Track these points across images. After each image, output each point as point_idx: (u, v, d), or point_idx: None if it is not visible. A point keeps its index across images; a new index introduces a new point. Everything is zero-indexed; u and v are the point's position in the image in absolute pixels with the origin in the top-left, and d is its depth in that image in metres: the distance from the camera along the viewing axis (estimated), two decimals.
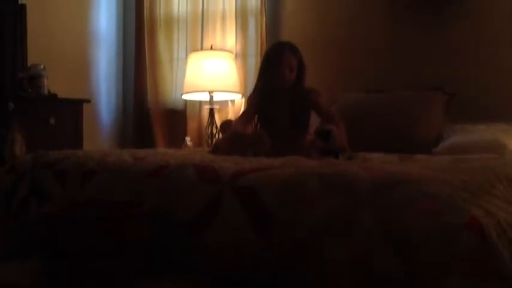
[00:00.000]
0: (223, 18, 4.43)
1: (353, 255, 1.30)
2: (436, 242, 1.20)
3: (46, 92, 3.69)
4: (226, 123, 3.12)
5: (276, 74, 2.81)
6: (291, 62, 2.80)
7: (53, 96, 3.72)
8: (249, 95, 3.11)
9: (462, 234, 1.18)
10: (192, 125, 4.49)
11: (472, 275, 1.15)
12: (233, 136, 2.63)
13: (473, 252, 1.16)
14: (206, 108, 4.29)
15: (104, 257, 1.45)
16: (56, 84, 3.79)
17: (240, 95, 4.18)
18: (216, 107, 4.23)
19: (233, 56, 4.24)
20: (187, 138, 4.14)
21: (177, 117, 4.56)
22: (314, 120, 2.95)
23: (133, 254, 1.51)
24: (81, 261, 1.45)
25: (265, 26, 4.20)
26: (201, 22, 4.49)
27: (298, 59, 2.84)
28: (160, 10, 4.63)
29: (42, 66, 3.70)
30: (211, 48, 4.24)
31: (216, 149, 2.58)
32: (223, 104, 4.40)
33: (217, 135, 4.07)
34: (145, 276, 1.53)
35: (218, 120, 4.27)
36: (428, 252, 1.20)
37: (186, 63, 4.29)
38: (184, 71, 4.27)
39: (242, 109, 4.20)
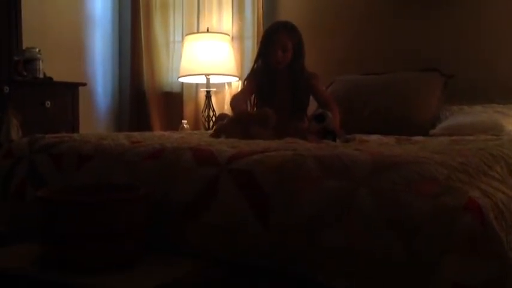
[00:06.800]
0: (220, 0, 4.39)
1: (352, 237, 1.30)
2: (434, 223, 1.20)
3: (41, 75, 3.67)
4: (221, 117, 3.02)
5: (269, 54, 2.77)
6: (285, 42, 2.74)
7: (48, 80, 3.71)
8: (245, 76, 3.08)
9: (460, 215, 1.18)
10: (188, 108, 4.47)
11: (470, 255, 1.15)
12: (237, 116, 2.54)
13: (471, 233, 1.16)
14: (203, 91, 4.27)
15: (100, 241, 1.46)
16: (51, 67, 3.77)
17: (237, 78, 4.16)
18: (212, 89, 4.21)
19: (230, 38, 4.21)
20: (184, 121, 4.14)
21: (174, 100, 4.55)
22: (311, 105, 2.94)
23: (130, 238, 1.51)
24: (78, 245, 1.45)
25: (262, 7, 4.18)
26: (197, 4, 4.46)
27: (294, 39, 2.78)
28: None
29: (37, 50, 3.68)
30: (207, 30, 4.22)
31: (219, 133, 2.47)
32: (220, 87, 4.38)
33: (213, 118, 4.06)
34: (142, 260, 1.53)
35: (215, 103, 4.26)
36: (427, 234, 1.21)
37: (182, 46, 4.26)
38: (180, 53, 4.25)
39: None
